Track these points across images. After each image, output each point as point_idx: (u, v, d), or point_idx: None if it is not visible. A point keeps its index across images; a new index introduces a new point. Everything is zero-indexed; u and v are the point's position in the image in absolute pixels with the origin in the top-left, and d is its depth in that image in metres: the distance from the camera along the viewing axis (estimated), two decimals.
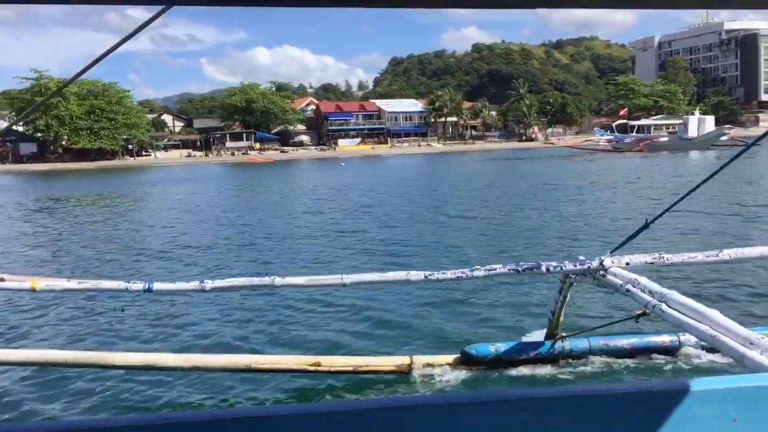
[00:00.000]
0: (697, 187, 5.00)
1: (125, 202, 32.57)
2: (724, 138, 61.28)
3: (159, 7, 1.55)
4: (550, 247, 14.20)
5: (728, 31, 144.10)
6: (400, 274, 5.48)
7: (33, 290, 5.44)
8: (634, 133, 69.54)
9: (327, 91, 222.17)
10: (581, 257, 5.31)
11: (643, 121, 77.79)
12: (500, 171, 46.98)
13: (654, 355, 6.60)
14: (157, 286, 5.50)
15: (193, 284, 5.44)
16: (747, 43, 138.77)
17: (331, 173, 52.02)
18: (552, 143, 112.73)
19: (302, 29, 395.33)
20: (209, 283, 5.32)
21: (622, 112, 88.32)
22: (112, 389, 6.41)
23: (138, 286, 5.44)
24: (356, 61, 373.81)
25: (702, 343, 5.58)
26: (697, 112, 67.49)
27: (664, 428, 2.21)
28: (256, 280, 5.76)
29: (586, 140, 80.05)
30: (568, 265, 5.30)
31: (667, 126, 72.41)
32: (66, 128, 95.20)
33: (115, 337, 8.33)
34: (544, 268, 5.31)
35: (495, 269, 5.37)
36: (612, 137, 71.01)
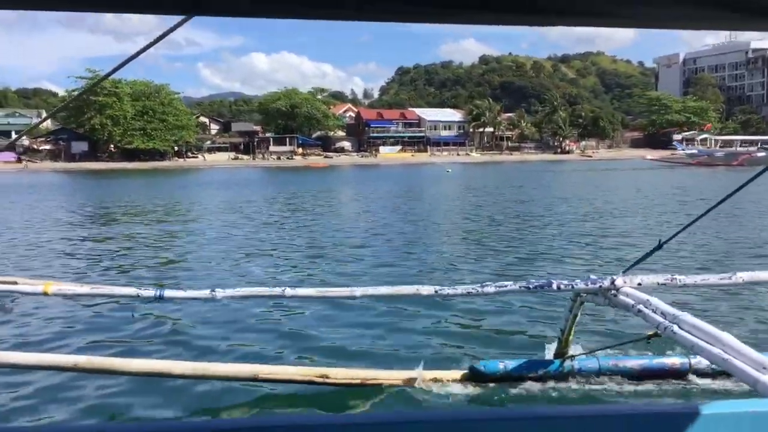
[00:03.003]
0: (713, 207, 4.96)
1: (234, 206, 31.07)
2: None
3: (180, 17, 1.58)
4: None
5: (755, 50, 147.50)
6: (410, 288, 5.47)
7: (45, 294, 5.44)
8: (717, 148, 70.85)
9: (336, 98, 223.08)
10: (593, 276, 5.29)
11: (727, 137, 79.17)
12: (592, 182, 46.66)
13: (664, 377, 6.52)
14: (169, 293, 5.49)
15: (204, 292, 5.44)
16: None
17: (438, 179, 52.32)
18: (589, 156, 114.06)
19: (301, 36, 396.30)
20: (220, 292, 5.32)
21: (706, 127, 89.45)
22: (117, 395, 6.48)
23: (149, 292, 5.43)
24: (354, 70, 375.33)
25: (713, 366, 5.53)
26: None
27: None
28: (266, 291, 5.81)
29: (672, 154, 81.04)
30: (579, 284, 5.25)
31: (754, 142, 73.45)
32: (119, 128, 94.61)
33: (123, 343, 8.35)
34: (554, 286, 5.26)
35: (505, 286, 5.34)
36: (696, 152, 72.21)
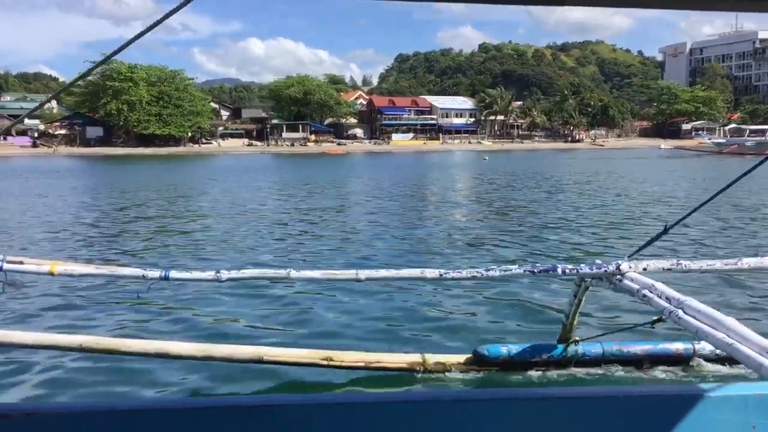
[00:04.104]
0: (720, 192, 5.00)
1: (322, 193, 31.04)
2: None
3: None
4: None
5: (762, 40, 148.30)
6: (414, 271, 5.41)
7: (51, 274, 5.37)
8: (746, 136, 71.08)
9: (336, 83, 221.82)
10: (597, 261, 5.21)
11: (755, 126, 79.40)
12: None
13: (669, 362, 6.55)
14: (174, 274, 5.42)
15: (209, 274, 5.39)
16: None
17: (478, 165, 52.27)
18: (601, 145, 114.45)
19: (297, 22, 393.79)
20: (225, 274, 5.28)
21: (734, 117, 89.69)
22: (122, 376, 6.59)
23: (155, 273, 5.38)
24: (350, 56, 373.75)
25: (717, 351, 5.57)
26: None
27: None
28: (271, 272, 5.78)
29: (700, 143, 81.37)
30: (584, 269, 5.17)
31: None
32: (136, 113, 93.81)
33: (128, 324, 8.44)
34: (559, 271, 5.22)
35: (510, 270, 5.32)
36: (725, 141, 72.45)
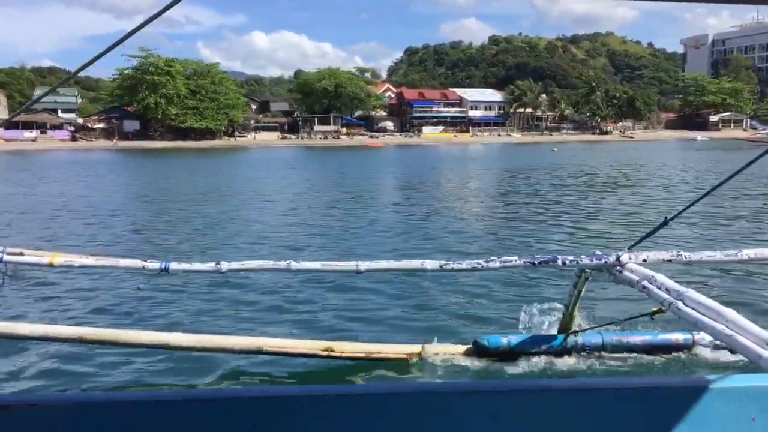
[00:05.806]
0: (720, 185, 5.04)
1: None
2: None
3: None
4: None
5: None
6: (415, 263, 5.49)
7: (51, 265, 5.46)
8: None
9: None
10: (598, 252, 5.23)
11: None
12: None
13: (668, 353, 6.63)
14: (174, 266, 5.48)
15: (210, 265, 5.48)
16: None
17: (546, 156, 51.99)
18: (630, 137, 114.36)
19: (300, 15, 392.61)
20: (225, 265, 5.36)
21: None
22: (122, 367, 6.62)
23: (155, 265, 5.45)
24: (355, 49, 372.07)
25: (716, 342, 5.67)
26: None
27: (681, 423, 2.20)
28: (271, 264, 5.80)
29: (756, 133, 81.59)
30: (584, 260, 5.23)
31: None
32: (174, 107, 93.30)
33: (129, 315, 8.49)
34: (560, 262, 5.28)
35: (510, 261, 5.36)
36: None
